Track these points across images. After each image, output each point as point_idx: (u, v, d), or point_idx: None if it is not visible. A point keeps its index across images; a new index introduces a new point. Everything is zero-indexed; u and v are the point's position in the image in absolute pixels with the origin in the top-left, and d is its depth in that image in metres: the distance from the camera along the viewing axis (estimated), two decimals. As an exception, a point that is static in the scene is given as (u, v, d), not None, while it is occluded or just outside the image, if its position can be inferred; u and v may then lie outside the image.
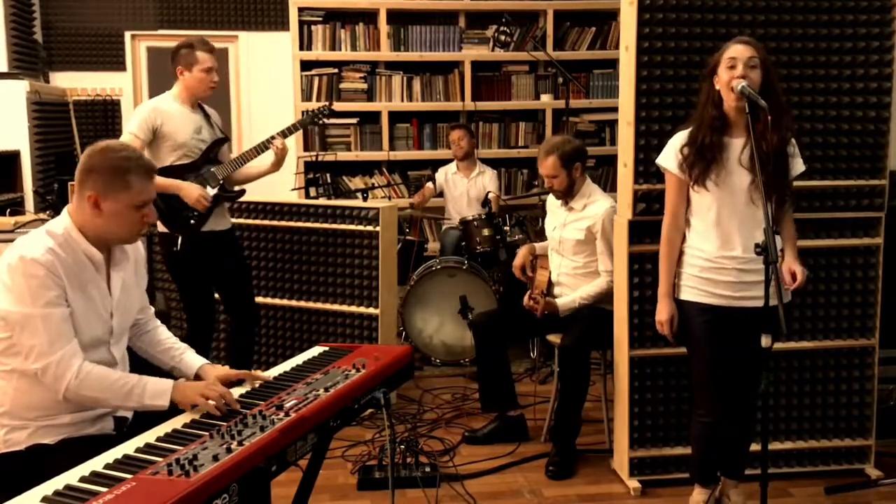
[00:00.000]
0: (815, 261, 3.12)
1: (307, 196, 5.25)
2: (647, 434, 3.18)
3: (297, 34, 5.69)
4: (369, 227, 4.00)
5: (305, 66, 5.73)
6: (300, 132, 5.40)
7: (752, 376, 2.73)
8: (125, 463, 1.70)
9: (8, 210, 4.47)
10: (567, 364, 3.40)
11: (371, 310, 4.02)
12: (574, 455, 3.43)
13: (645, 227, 3.06)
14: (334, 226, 4.10)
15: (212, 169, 3.61)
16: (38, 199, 5.27)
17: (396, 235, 4.24)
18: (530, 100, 5.98)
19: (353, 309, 4.06)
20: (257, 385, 2.21)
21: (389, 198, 5.71)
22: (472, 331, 3.79)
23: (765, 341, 2.35)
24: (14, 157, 5.39)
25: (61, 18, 6.30)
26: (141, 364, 2.39)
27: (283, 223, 4.22)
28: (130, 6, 6.33)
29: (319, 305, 4.16)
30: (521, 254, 3.77)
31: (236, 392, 2.13)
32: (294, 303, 4.23)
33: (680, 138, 2.70)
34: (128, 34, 6.35)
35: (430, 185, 5.53)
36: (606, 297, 3.39)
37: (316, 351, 2.54)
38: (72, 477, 1.63)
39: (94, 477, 1.64)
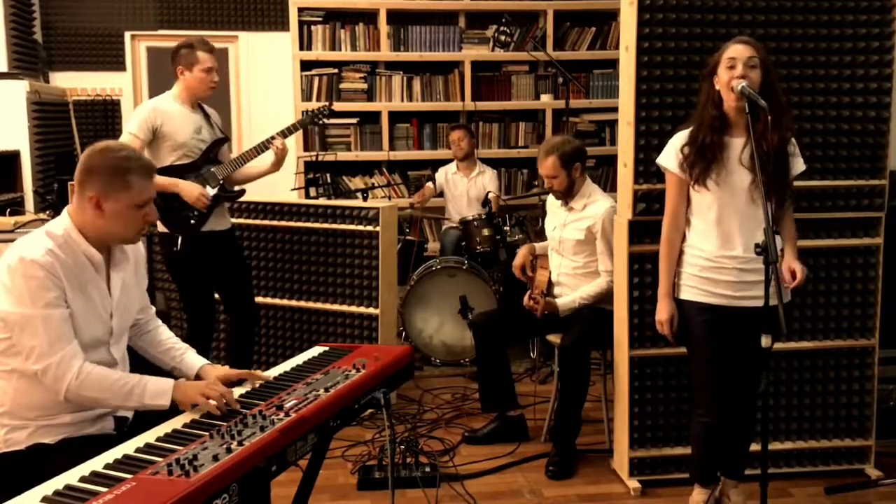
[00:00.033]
0: (815, 261, 3.12)
1: (307, 196, 5.25)
2: (647, 434, 3.18)
3: (297, 34, 5.69)
4: (369, 227, 4.00)
5: (305, 66, 5.73)
6: (300, 132, 5.40)
7: (752, 376, 2.73)
8: (125, 463, 1.70)
9: (8, 210, 4.47)
10: (567, 364, 3.40)
11: (371, 310, 4.02)
12: (574, 455, 3.43)
13: (645, 227, 3.06)
14: (334, 226, 4.10)
15: (212, 169, 3.61)
16: (38, 199, 5.27)
17: (396, 235, 4.24)
18: (530, 100, 5.98)
19: (353, 309, 4.06)
20: (257, 385, 2.21)
21: (389, 198, 5.71)
22: (472, 331, 3.79)
23: (765, 341, 2.35)
24: (14, 157, 5.39)
25: (61, 18, 6.30)
26: (142, 364, 2.39)
27: (283, 223, 4.22)
28: (130, 6, 6.33)
29: (319, 305, 4.16)
30: (521, 254, 3.77)
31: (236, 392, 2.13)
32: (294, 303, 4.23)
33: (680, 138, 2.70)
34: (128, 34, 6.35)
35: (429, 184, 5.53)
36: (606, 297, 3.39)
37: (316, 351, 2.54)
38: (72, 477, 1.63)
39: (94, 477, 1.64)
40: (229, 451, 1.69)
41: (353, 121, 5.83)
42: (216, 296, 3.89)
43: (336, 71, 5.77)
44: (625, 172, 3.10)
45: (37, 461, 2.02)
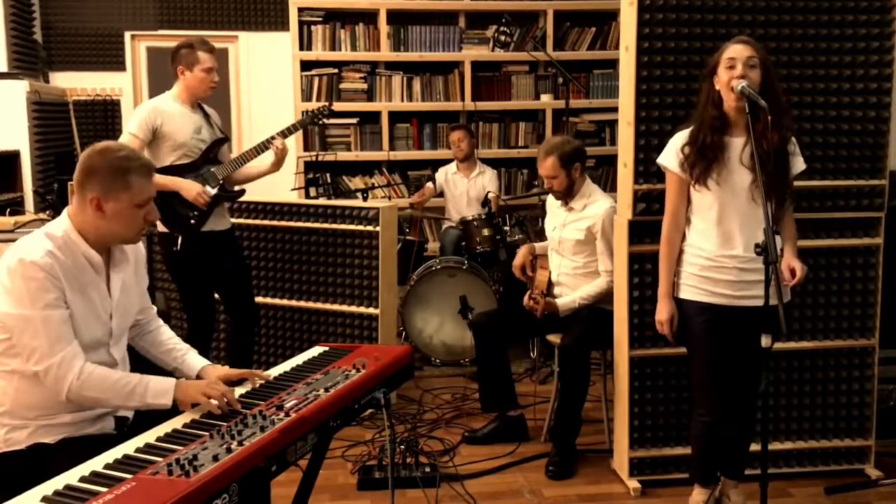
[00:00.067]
0: (815, 261, 3.12)
1: (307, 196, 5.25)
2: (647, 434, 3.18)
3: (297, 34, 5.69)
4: (369, 227, 4.00)
5: (305, 66, 5.73)
6: (300, 132, 5.40)
7: (752, 376, 2.73)
8: (125, 463, 1.70)
9: (8, 210, 4.47)
10: (567, 364, 3.40)
11: (371, 310, 4.02)
12: (574, 455, 3.43)
13: (645, 227, 3.06)
14: (334, 226, 4.10)
15: (212, 169, 3.61)
16: (38, 199, 5.28)
17: (396, 235, 4.24)
18: (530, 100, 5.98)
19: (353, 309, 4.06)
20: (258, 385, 2.21)
21: (389, 198, 5.71)
22: (472, 331, 3.79)
23: (765, 341, 2.35)
24: (14, 157, 5.39)
25: (61, 18, 6.30)
26: (143, 364, 2.39)
27: (283, 223, 4.22)
28: (130, 6, 6.33)
29: (319, 305, 4.16)
30: (521, 253, 3.77)
31: (237, 392, 2.13)
32: (294, 303, 4.23)
33: (681, 138, 2.70)
34: (128, 34, 6.35)
35: (429, 184, 5.53)
36: (606, 297, 3.39)
37: (316, 351, 2.54)
38: (72, 477, 1.63)
39: (94, 477, 1.64)
40: (229, 451, 1.69)
41: (353, 121, 5.83)
42: (216, 296, 3.89)
43: (336, 71, 5.77)
44: (625, 172, 3.10)
45: (37, 461, 2.02)
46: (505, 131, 5.99)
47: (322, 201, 4.48)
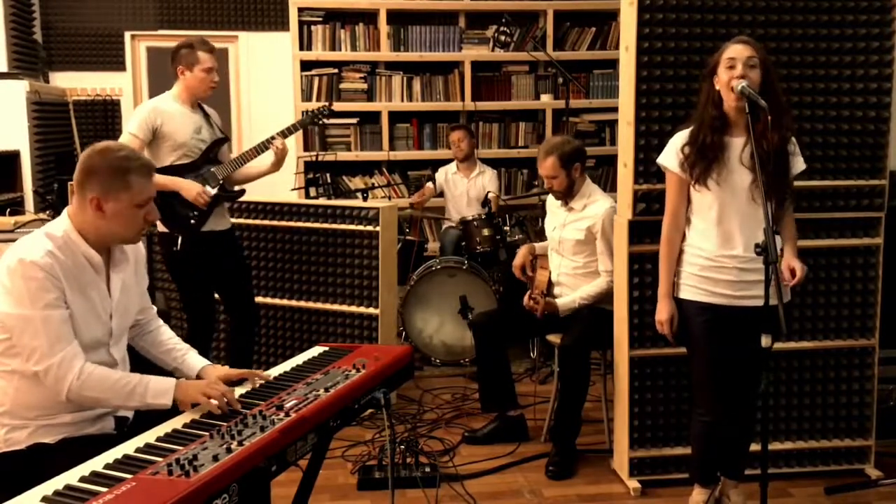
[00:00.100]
0: (815, 261, 3.12)
1: (307, 196, 5.25)
2: (647, 434, 3.18)
3: (297, 34, 5.69)
4: (369, 227, 4.00)
5: (305, 66, 5.73)
6: (300, 132, 5.40)
7: (752, 376, 2.73)
8: (125, 463, 1.70)
9: (8, 210, 4.47)
10: (567, 364, 3.40)
11: (371, 310, 4.02)
12: (574, 455, 3.43)
13: (645, 227, 3.06)
14: (334, 226, 4.10)
15: (212, 169, 3.61)
16: (38, 199, 5.28)
17: (396, 235, 4.24)
18: (530, 100, 5.98)
19: (353, 309, 4.06)
20: (258, 385, 2.21)
21: (389, 198, 5.71)
22: (472, 331, 3.79)
23: (765, 341, 2.35)
24: (14, 157, 5.39)
25: (61, 18, 6.30)
26: (143, 364, 2.39)
27: (283, 223, 4.22)
28: (130, 6, 6.33)
29: (319, 305, 4.16)
30: (521, 253, 3.77)
31: (236, 392, 2.13)
32: (294, 303, 4.23)
33: (681, 137, 2.70)
34: (128, 34, 6.35)
35: (429, 185, 5.53)
36: (606, 297, 3.39)
37: (316, 351, 2.54)
38: (72, 477, 1.63)
39: (94, 477, 1.64)
40: (229, 451, 1.69)
41: (353, 121, 5.83)
42: (216, 296, 3.89)
43: (336, 71, 5.77)
44: (625, 172, 3.10)
45: (37, 461, 2.02)
46: (505, 131, 5.99)
47: (322, 201, 4.48)
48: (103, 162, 2.09)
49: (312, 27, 5.74)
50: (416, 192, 5.61)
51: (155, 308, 2.49)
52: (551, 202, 3.74)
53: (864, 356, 3.23)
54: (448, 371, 4.67)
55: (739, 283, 2.62)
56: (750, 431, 2.88)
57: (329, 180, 5.70)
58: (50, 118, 5.81)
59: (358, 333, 4.06)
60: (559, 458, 3.36)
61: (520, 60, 5.95)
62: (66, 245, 2.09)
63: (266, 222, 4.25)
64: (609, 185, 5.81)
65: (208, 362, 2.37)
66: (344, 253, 4.08)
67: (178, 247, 3.57)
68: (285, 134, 3.72)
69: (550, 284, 3.67)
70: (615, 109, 3.40)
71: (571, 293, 3.56)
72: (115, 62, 6.35)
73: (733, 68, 2.53)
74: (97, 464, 1.69)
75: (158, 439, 1.83)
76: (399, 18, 5.81)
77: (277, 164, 3.73)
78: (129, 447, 1.78)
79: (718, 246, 2.64)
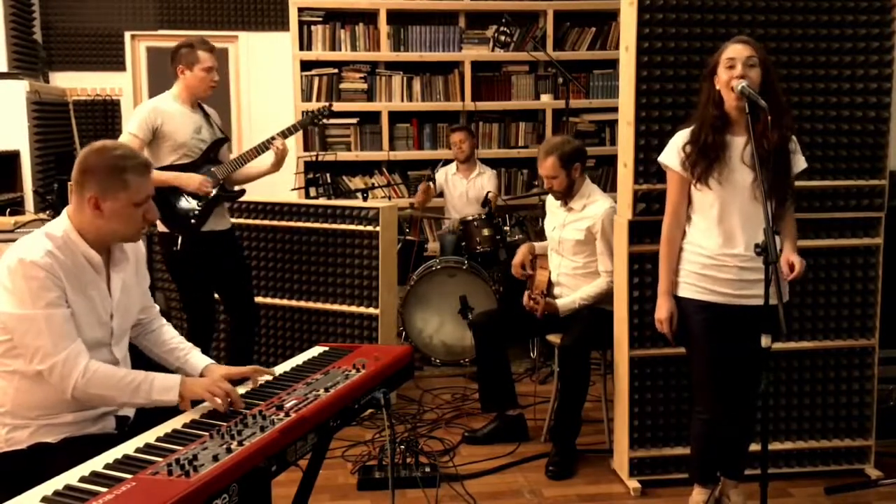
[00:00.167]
0: (815, 261, 3.12)
1: (307, 196, 5.25)
2: (647, 434, 3.18)
3: (297, 34, 5.69)
4: (369, 227, 4.00)
5: (305, 66, 5.73)
6: (300, 132, 5.40)
7: (752, 376, 2.73)
8: (125, 463, 1.70)
9: (8, 210, 4.47)
10: (567, 364, 3.40)
11: (371, 310, 4.02)
12: (574, 455, 3.43)
13: (645, 227, 3.06)
14: (334, 226, 4.10)
15: (212, 169, 3.61)
16: (38, 199, 5.27)
17: (396, 235, 4.24)
18: (530, 100, 5.98)
19: (353, 309, 4.06)
20: (259, 384, 2.21)
21: (389, 198, 5.71)
22: (472, 331, 3.79)
23: (765, 341, 2.35)
24: (14, 157, 5.39)
25: (61, 18, 6.30)
26: (146, 363, 2.39)
27: (283, 223, 4.22)
28: (130, 6, 6.32)
29: (319, 305, 4.16)
30: (521, 252, 3.77)
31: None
32: (294, 303, 4.23)
33: (682, 136, 2.70)
34: (128, 34, 6.35)
35: (430, 185, 5.51)
36: (606, 297, 3.39)
37: (316, 351, 2.54)
38: (71, 477, 1.63)
39: (94, 477, 1.64)
40: (229, 451, 1.70)
41: (353, 121, 5.83)
42: (216, 296, 3.89)
43: (336, 71, 5.77)
44: (625, 172, 3.10)
45: (38, 460, 2.02)
46: (505, 131, 5.99)
47: (322, 201, 4.48)
48: (100, 161, 2.08)
49: (312, 27, 5.74)
50: (416, 192, 5.59)
51: (157, 307, 2.49)
52: (551, 202, 3.74)
53: (864, 356, 3.23)
54: (448, 371, 4.67)
55: (740, 281, 2.62)
56: (750, 431, 2.88)
57: (329, 180, 5.70)
58: (50, 118, 5.81)
59: (358, 333, 4.06)
60: (559, 458, 3.36)
61: (520, 60, 5.95)
62: (66, 245, 2.09)
63: (266, 222, 4.25)
64: (609, 185, 5.81)
65: (211, 360, 2.36)
66: (344, 253, 4.08)
67: (178, 247, 3.57)
68: (285, 134, 3.72)
69: (550, 284, 3.67)
70: (615, 109, 3.40)
71: (571, 293, 3.56)
72: (115, 62, 6.35)
73: (733, 68, 2.53)
74: (97, 464, 1.69)
75: (158, 439, 1.83)
76: (399, 18, 5.81)
77: (277, 165, 3.73)
78: (128, 447, 1.78)
79: (720, 245, 2.64)
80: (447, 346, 4.75)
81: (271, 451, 1.76)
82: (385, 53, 5.79)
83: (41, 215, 4.29)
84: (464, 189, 5.36)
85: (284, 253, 4.23)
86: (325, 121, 4.32)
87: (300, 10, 5.67)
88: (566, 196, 3.59)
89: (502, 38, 5.86)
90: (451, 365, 4.72)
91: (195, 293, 3.70)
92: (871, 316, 3.21)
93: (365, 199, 4.41)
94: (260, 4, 6.43)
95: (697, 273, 2.68)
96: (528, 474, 3.35)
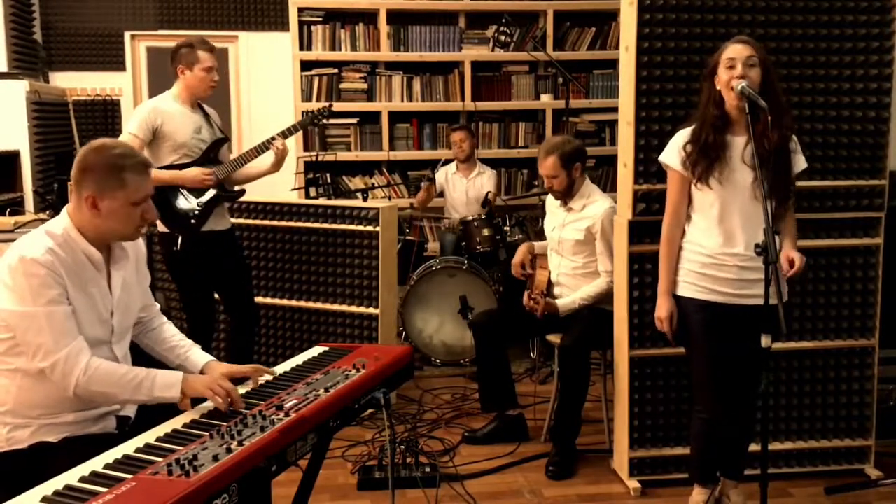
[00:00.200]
0: (815, 261, 3.12)
1: (307, 196, 5.25)
2: (647, 434, 3.18)
3: (297, 34, 5.69)
4: (369, 227, 4.00)
5: (305, 66, 5.73)
6: (300, 132, 5.40)
7: (752, 376, 2.73)
8: (125, 463, 1.70)
9: (8, 210, 4.47)
10: (567, 364, 3.40)
11: (371, 310, 4.02)
12: (574, 455, 3.43)
13: (645, 227, 3.06)
14: (334, 226, 4.10)
15: (212, 169, 3.61)
16: (38, 199, 5.28)
17: (396, 235, 4.24)
18: (530, 100, 5.98)
19: (353, 309, 4.06)
20: (259, 383, 2.21)
21: (389, 198, 5.71)
22: (472, 331, 3.79)
23: (765, 341, 2.35)
24: (14, 157, 5.39)
25: (61, 18, 6.30)
26: (147, 361, 2.39)
27: (283, 223, 4.22)
28: (130, 6, 6.33)
29: (319, 305, 4.16)
30: (521, 251, 3.77)
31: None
32: (294, 303, 4.23)
33: (683, 136, 2.70)
34: (128, 34, 6.35)
35: (432, 185, 5.51)
36: (606, 297, 3.39)
37: (316, 351, 2.54)
38: (71, 477, 1.63)
39: (94, 477, 1.64)
40: (229, 451, 1.69)
41: (353, 121, 5.83)
42: (216, 296, 3.89)
43: (336, 71, 5.77)
44: (625, 172, 3.10)
45: (39, 460, 2.02)
46: (505, 131, 5.99)
47: (322, 201, 4.48)
48: (98, 159, 2.08)
49: (312, 27, 5.74)
50: (417, 192, 5.59)
51: (158, 305, 2.49)
52: (551, 202, 3.74)
53: (864, 356, 3.23)
54: (448, 371, 4.67)
55: (740, 281, 2.62)
56: (750, 431, 2.88)
57: (329, 180, 5.70)
58: (50, 118, 5.81)
59: (358, 333, 4.07)
60: (559, 458, 3.36)
61: (520, 60, 5.95)
62: (66, 243, 2.09)
63: (266, 222, 4.25)
64: (609, 185, 5.81)
65: (212, 358, 2.36)
66: (344, 253, 4.08)
67: (178, 247, 3.57)
68: (285, 134, 3.72)
69: (550, 284, 3.67)
70: (615, 109, 3.40)
71: (571, 293, 3.56)
72: (115, 62, 6.35)
73: (733, 68, 2.53)
74: (97, 464, 1.69)
75: (158, 439, 1.83)
76: (399, 18, 5.81)
77: (277, 165, 3.73)
78: (128, 447, 1.78)
79: (720, 244, 2.64)
80: (447, 346, 4.75)
81: (271, 451, 1.76)
82: (385, 53, 5.79)
83: (41, 215, 4.29)
84: (463, 189, 5.36)
85: (284, 253, 4.23)
86: (325, 121, 4.32)
87: (300, 10, 5.68)
88: (566, 196, 3.59)
89: (502, 38, 5.86)
90: (451, 365, 4.72)
91: (195, 293, 3.70)
92: (871, 316, 3.21)
93: (365, 199, 4.42)
94: (260, 4, 6.43)
95: (697, 272, 2.68)
96: (528, 474, 3.35)
